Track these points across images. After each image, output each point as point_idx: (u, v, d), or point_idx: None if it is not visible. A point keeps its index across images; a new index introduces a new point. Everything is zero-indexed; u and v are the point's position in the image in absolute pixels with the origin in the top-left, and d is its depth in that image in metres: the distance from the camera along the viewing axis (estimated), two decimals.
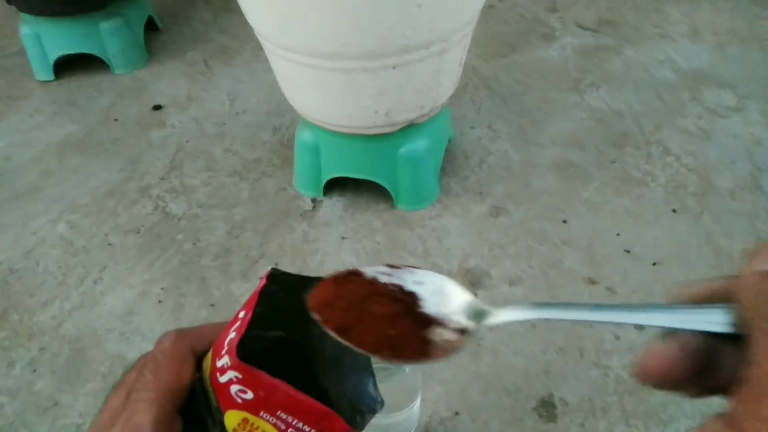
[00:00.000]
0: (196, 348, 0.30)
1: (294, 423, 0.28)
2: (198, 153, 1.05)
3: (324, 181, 0.92)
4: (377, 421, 0.61)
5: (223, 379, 0.28)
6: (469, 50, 0.87)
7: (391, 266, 0.28)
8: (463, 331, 0.26)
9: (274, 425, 0.28)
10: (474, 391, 0.68)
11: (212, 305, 0.79)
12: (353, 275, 0.28)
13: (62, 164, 1.04)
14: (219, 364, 0.28)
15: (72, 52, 1.23)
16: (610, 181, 0.94)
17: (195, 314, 0.78)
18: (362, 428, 0.29)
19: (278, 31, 0.74)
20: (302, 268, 0.83)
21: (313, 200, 0.94)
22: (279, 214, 0.92)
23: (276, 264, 0.84)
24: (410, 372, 0.58)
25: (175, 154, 1.05)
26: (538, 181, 0.95)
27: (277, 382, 0.27)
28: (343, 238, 0.87)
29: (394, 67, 0.73)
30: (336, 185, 0.94)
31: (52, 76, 1.25)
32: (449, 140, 1.02)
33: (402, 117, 0.80)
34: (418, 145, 0.85)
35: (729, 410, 0.20)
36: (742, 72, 1.17)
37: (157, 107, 1.17)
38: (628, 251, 0.83)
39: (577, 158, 0.99)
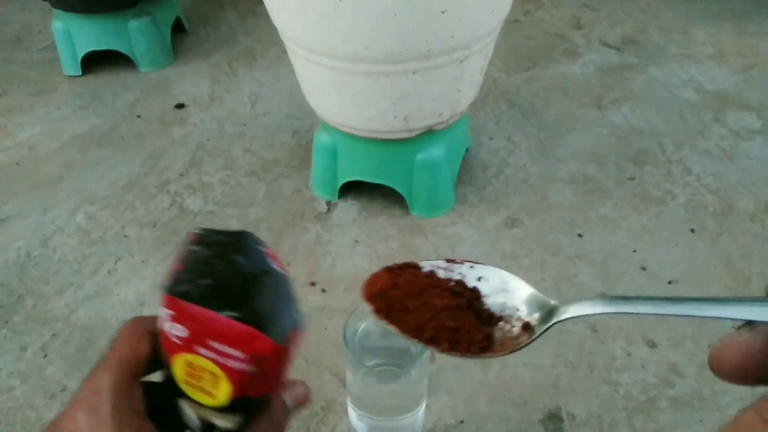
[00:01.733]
0: (152, 330, 0.33)
1: (227, 352, 0.29)
2: (217, 152, 1.06)
3: (340, 184, 0.92)
4: (381, 424, 0.61)
5: (163, 326, 0.31)
6: (491, 63, 0.87)
7: (450, 260, 0.26)
8: (527, 327, 0.25)
9: (213, 360, 0.30)
10: (480, 400, 0.67)
11: None
12: (410, 267, 0.27)
13: (84, 157, 1.06)
14: (160, 316, 0.31)
15: (100, 48, 1.25)
16: (628, 198, 0.93)
17: None
18: (289, 347, 0.32)
19: (303, 32, 0.74)
20: (314, 268, 0.83)
21: (328, 203, 0.94)
22: (294, 214, 0.92)
23: (288, 264, 0.84)
24: (416, 376, 0.58)
25: (195, 152, 1.06)
26: (555, 194, 0.95)
27: (203, 310, 0.29)
28: (356, 241, 0.87)
29: (414, 73, 0.73)
30: (351, 189, 0.94)
31: (79, 72, 1.27)
32: (467, 150, 1.02)
33: (420, 123, 0.80)
34: (436, 152, 0.86)
35: None
36: (767, 95, 1.16)
37: (180, 106, 1.19)
38: (643, 268, 0.82)
39: (596, 174, 0.99)
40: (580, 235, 0.87)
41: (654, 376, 0.69)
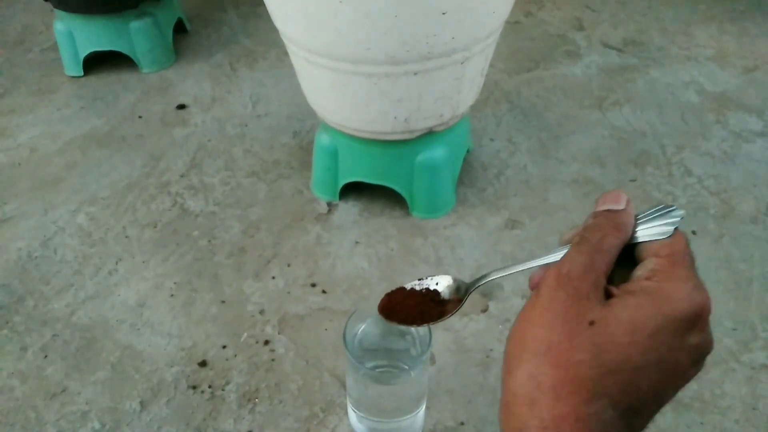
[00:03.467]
0: None
1: None
2: (218, 152, 1.06)
3: (340, 185, 0.92)
4: (380, 425, 0.61)
5: None
6: (492, 65, 0.87)
7: (420, 279, 0.42)
8: (458, 300, 0.40)
9: None
10: (480, 402, 0.67)
11: (223, 302, 0.79)
12: (400, 289, 0.42)
13: (86, 157, 1.06)
14: None
15: (102, 49, 1.26)
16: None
17: (205, 310, 0.78)
18: None
19: (304, 34, 0.75)
20: (314, 269, 0.83)
21: (329, 204, 0.94)
22: (294, 215, 0.92)
23: (288, 265, 0.84)
24: (416, 377, 0.58)
25: (196, 153, 1.06)
26: (556, 196, 0.95)
27: None
28: (356, 242, 0.87)
29: (415, 74, 0.73)
30: (352, 190, 0.94)
31: (81, 72, 1.27)
32: (468, 151, 1.01)
33: (421, 124, 0.80)
34: (436, 153, 0.86)
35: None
36: None
37: (181, 106, 1.19)
38: None
39: (597, 175, 0.99)
40: None
41: None
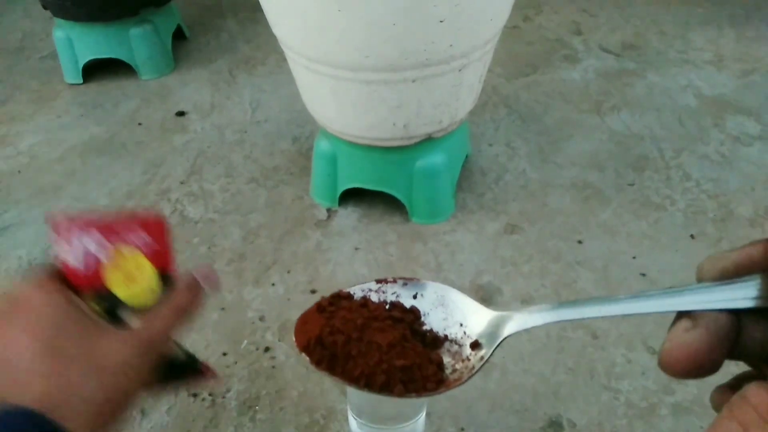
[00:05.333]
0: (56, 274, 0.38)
1: (142, 237, 0.39)
2: (218, 159, 1.06)
3: (340, 191, 0.92)
4: (381, 431, 0.61)
5: (73, 258, 0.38)
6: (490, 69, 0.88)
7: (380, 281, 0.25)
8: (476, 345, 0.24)
9: (134, 246, 0.39)
10: (481, 408, 0.67)
11: (223, 309, 0.79)
12: (342, 299, 0.25)
13: (86, 165, 1.07)
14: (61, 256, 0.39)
15: (101, 56, 1.26)
16: (627, 204, 0.94)
17: (206, 316, 0.78)
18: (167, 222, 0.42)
19: (302, 41, 0.75)
20: (314, 276, 0.83)
21: (329, 210, 0.94)
22: (294, 222, 0.93)
23: (288, 271, 0.84)
24: None
25: (196, 159, 1.07)
26: (555, 200, 0.95)
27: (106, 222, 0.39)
28: (356, 248, 0.88)
29: (413, 81, 0.73)
30: (351, 196, 0.94)
31: (80, 80, 1.28)
32: (467, 157, 1.02)
33: (420, 130, 0.81)
34: (435, 159, 0.86)
35: None
36: (766, 100, 1.16)
37: (181, 113, 1.19)
38: (643, 275, 0.82)
39: (596, 180, 0.99)
40: (579, 242, 0.87)
41: (654, 383, 0.69)
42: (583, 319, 0.23)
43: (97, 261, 0.38)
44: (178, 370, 0.41)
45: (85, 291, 0.38)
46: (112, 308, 0.38)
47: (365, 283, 0.26)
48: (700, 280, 0.22)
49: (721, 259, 0.21)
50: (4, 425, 0.29)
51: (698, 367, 0.21)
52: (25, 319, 0.34)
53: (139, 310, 0.38)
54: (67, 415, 0.31)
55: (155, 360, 0.37)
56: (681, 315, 0.21)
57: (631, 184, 0.98)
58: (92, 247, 0.39)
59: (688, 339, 0.21)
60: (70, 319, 0.35)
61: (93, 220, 0.39)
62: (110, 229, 0.39)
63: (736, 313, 0.20)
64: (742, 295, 0.20)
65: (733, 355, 0.22)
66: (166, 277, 0.40)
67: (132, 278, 0.38)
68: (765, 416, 0.18)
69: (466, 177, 0.99)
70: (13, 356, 0.33)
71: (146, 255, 0.39)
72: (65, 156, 1.09)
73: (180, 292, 0.39)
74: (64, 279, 0.38)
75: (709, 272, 0.22)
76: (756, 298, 0.20)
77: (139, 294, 0.38)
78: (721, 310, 0.20)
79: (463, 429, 0.65)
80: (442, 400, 0.68)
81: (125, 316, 0.38)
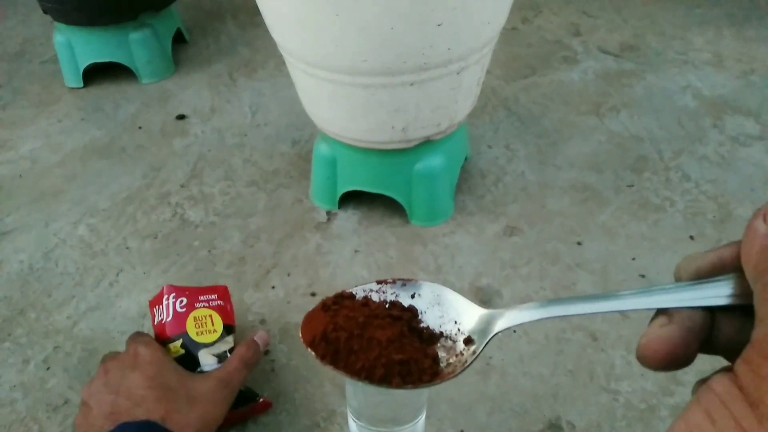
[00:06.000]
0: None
1: (210, 298, 0.66)
2: (218, 162, 1.07)
3: (339, 194, 0.93)
4: None
5: (164, 316, 0.64)
6: (489, 71, 0.88)
7: (381, 282, 0.27)
8: (468, 340, 0.26)
9: (207, 307, 0.65)
10: (480, 410, 0.68)
11: None
12: (345, 299, 0.27)
13: (86, 169, 1.07)
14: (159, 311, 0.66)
15: (102, 60, 1.26)
16: (627, 206, 0.94)
17: None
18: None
19: (301, 46, 0.75)
20: (314, 279, 0.84)
21: (328, 213, 0.95)
22: (294, 225, 0.93)
23: (288, 274, 0.84)
24: None
25: (196, 163, 1.07)
26: (554, 202, 0.95)
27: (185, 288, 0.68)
28: (356, 251, 0.88)
29: (412, 84, 0.74)
30: (351, 199, 0.95)
31: (81, 84, 1.28)
32: (466, 159, 1.02)
33: (419, 133, 0.81)
34: (434, 161, 0.86)
35: (735, 370, 0.20)
36: (766, 101, 1.16)
37: (181, 117, 1.19)
38: (643, 276, 0.82)
39: (595, 181, 0.99)
40: (579, 243, 0.87)
41: (654, 385, 0.69)
42: (569, 315, 0.24)
43: (182, 315, 0.63)
44: (242, 401, 0.62)
45: (171, 338, 0.61)
46: (188, 347, 0.61)
47: (366, 284, 0.28)
48: (677, 279, 0.24)
49: (696, 260, 0.23)
50: (137, 430, 0.48)
51: (673, 360, 0.23)
52: (140, 367, 0.55)
53: (207, 346, 0.62)
54: (174, 427, 0.50)
55: (230, 394, 0.57)
56: (659, 312, 0.23)
57: (630, 186, 0.98)
58: (179, 306, 0.63)
59: (664, 334, 0.23)
60: (169, 365, 0.57)
61: (180, 288, 0.66)
62: (191, 293, 0.65)
63: (709, 311, 0.22)
64: (714, 294, 0.21)
65: (708, 349, 0.23)
66: (229, 327, 0.65)
67: (206, 327, 0.63)
68: (727, 403, 0.20)
69: (465, 179, 0.99)
70: (136, 390, 0.53)
71: (215, 311, 0.65)
72: (66, 160, 1.09)
73: (243, 346, 0.62)
74: (158, 338, 0.62)
75: (686, 272, 0.24)
76: (727, 296, 0.21)
77: (209, 338, 0.62)
78: (695, 308, 0.22)
79: (462, 431, 0.66)
80: (441, 402, 0.68)
81: (197, 352, 0.61)
